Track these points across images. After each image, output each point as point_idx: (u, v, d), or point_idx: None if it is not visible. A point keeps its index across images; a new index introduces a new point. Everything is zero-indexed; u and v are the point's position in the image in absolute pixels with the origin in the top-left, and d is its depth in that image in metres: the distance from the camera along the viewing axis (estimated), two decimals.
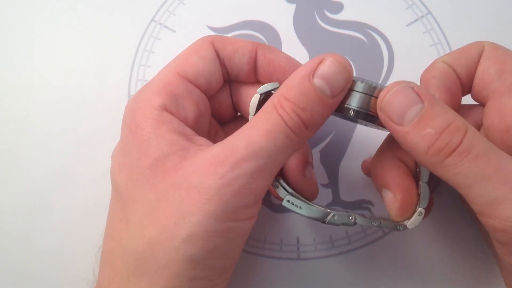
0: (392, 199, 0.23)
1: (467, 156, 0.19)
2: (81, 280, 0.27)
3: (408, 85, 0.21)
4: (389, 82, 0.31)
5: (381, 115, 0.21)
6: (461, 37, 0.32)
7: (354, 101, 0.22)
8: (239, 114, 0.28)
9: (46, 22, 0.33)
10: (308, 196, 0.25)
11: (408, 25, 0.33)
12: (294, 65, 0.24)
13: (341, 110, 0.22)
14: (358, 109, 0.22)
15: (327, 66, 0.21)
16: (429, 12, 0.33)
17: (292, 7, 0.33)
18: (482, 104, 0.24)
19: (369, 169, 0.29)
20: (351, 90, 0.22)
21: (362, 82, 0.22)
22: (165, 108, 0.22)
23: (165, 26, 0.33)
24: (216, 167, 0.20)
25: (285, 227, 0.30)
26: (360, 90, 0.22)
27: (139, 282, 0.21)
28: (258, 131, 0.21)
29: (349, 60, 0.22)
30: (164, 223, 0.20)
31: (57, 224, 0.30)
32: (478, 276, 0.29)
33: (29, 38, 0.33)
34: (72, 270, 0.29)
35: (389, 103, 0.21)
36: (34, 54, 0.32)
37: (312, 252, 0.29)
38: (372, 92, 0.22)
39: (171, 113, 0.23)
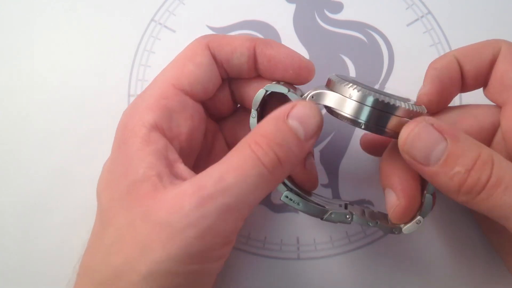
0: (395, 202, 0.23)
1: (498, 189, 0.19)
2: None
3: (427, 123, 0.20)
4: (389, 82, 0.32)
5: (405, 157, 0.21)
6: (461, 37, 0.32)
7: (364, 115, 0.21)
8: (238, 105, 0.28)
9: (46, 22, 0.33)
10: (308, 187, 0.25)
11: (408, 25, 0.33)
12: (294, 59, 0.24)
13: (351, 122, 0.22)
14: (367, 123, 0.21)
15: (301, 109, 0.21)
16: (429, 12, 0.33)
17: (292, 7, 0.33)
18: (497, 105, 0.24)
19: (369, 144, 0.28)
20: (360, 103, 0.21)
21: (370, 95, 0.21)
22: (156, 125, 0.22)
23: (165, 26, 0.33)
24: (182, 204, 0.19)
25: (285, 227, 0.30)
26: (370, 105, 0.21)
27: None
28: (228, 167, 0.20)
29: (348, 74, 0.21)
30: (129, 254, 0.20)
31: (57, 224, 0.30)
32: (479, 276, 0.29)
33: (29, 38, 0.33)
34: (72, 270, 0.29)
35: (412, 145, 0.20)
36: (34, 54, 0.32)
37: (312, 252, 0.29)
38: (385, 108, 0.21)
39: (163, 130, 0.22)
